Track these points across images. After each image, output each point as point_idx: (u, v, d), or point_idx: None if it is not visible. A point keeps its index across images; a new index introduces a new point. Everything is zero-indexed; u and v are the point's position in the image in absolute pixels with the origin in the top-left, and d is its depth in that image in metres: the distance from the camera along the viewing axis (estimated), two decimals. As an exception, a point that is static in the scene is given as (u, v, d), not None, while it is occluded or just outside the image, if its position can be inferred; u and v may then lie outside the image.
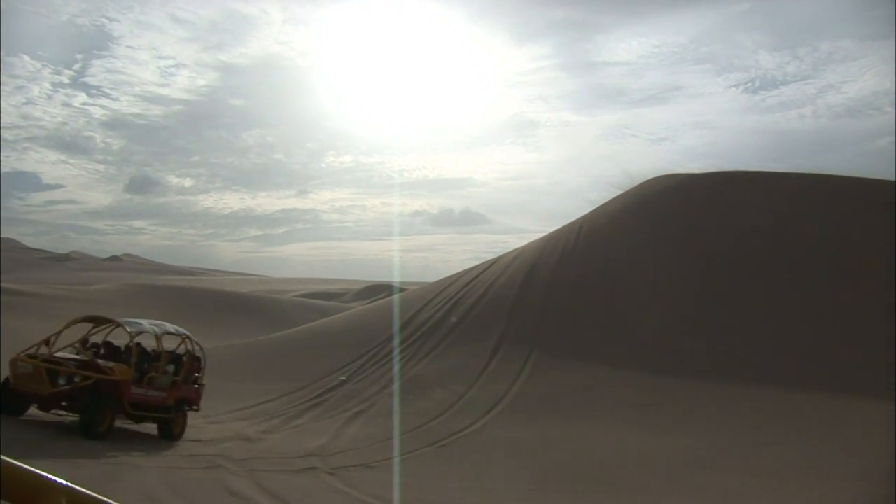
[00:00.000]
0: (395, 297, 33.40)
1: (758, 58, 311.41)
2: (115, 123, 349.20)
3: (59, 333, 15.94)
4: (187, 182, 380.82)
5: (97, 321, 17.60)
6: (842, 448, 13.81)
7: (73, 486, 1.70)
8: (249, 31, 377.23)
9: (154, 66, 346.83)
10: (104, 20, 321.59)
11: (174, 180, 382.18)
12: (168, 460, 14.40)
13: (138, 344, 16.50)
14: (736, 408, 16.91)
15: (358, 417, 19.36)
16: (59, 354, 15.38)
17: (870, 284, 20.64)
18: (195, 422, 18.81)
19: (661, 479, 13.31)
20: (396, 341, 25.27)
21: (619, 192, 31.96)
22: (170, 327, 17.70)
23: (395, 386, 21.67)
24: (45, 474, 1.64)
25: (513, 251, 32.62)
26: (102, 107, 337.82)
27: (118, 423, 15.82)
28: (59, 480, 1.67)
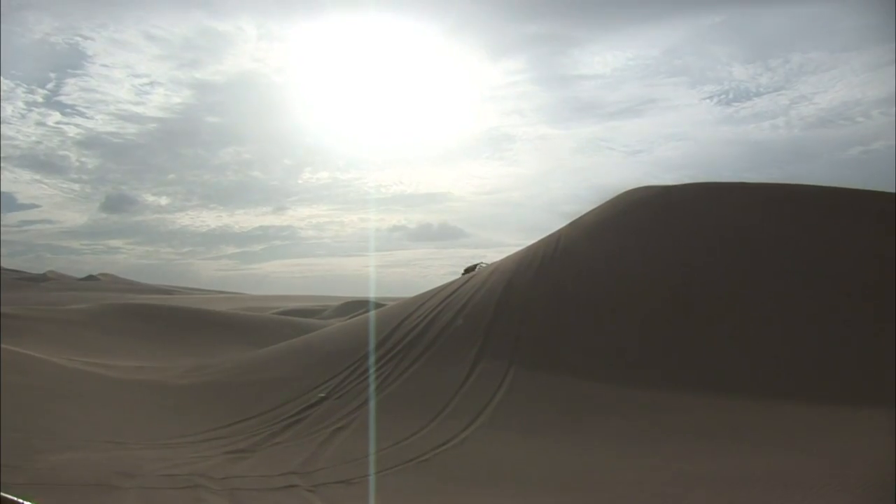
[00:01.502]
0: (371, 314, 33.29)
1: (731, 70, 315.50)
2: (89, 142, 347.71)
3: None
4: (163, 200, 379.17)
5: None
6: (831, 457, 13.83)
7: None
8: (224, 48, 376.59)
9: (129, 85, 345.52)
10: (78, 38, 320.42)
11: (150, 198, 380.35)
12: (145, 480, 14.24)
13: None
14: (723, 420, 16.93)
15: (338, 434, 19.25)
16: None
17: (849, 292, 20.77)
18: (173, 440, 18.68)
19: (646, 495, 13.28)
20: (372, 359, 25.17)
21: (594, 206, 32.08)
22: None
23: (372, 403, 21.57)
24: (14, 498, 1.60)
25: (491, 265, 32.65)
26: (77, 125, 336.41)
27: (100, 442, 15.63)
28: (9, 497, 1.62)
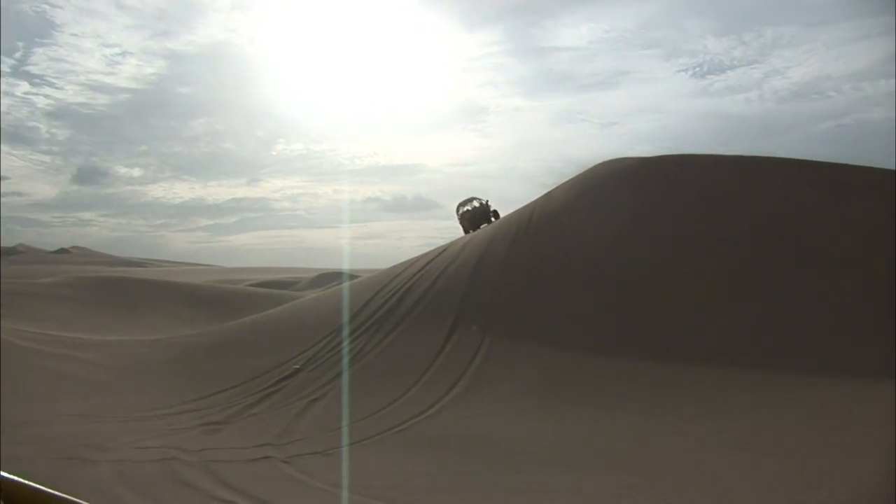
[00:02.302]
0: (346, 286, 33.22)
1: (705, 42, 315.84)
2: (59, 113, 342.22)
3: None
4: (136, 172, 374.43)
5: None
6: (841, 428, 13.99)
7: (22, 480, 1.63)
8: (197, 18, 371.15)
9: (99, 55, 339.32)
10: (46, 7, 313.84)
11: (122, 170, 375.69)
12: (119, 453, 14.20)
13: None
14: (685, 389, 17.11)
15: (313, 405, 19.27)
16: None
17: (826, 265, 20.99)
18: (146, 413, 18.60)
19: (619, 459, 13.41)
20: (347, 330, 25.16)
21: (568, 178, 32.09)
22: None
23: (346, 374, 21.60)
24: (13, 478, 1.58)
25: (465, 236, 32.66)
26: (46, 96, 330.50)
27: (70, 417, 15.55)
28: (7, 476, 1.60)
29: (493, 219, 33.94)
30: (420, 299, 26.21)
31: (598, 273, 23.70)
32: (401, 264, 31.87)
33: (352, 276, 55.07)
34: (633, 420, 15.66)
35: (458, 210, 35.75)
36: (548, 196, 31.50)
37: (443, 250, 31.16)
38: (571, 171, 32.93)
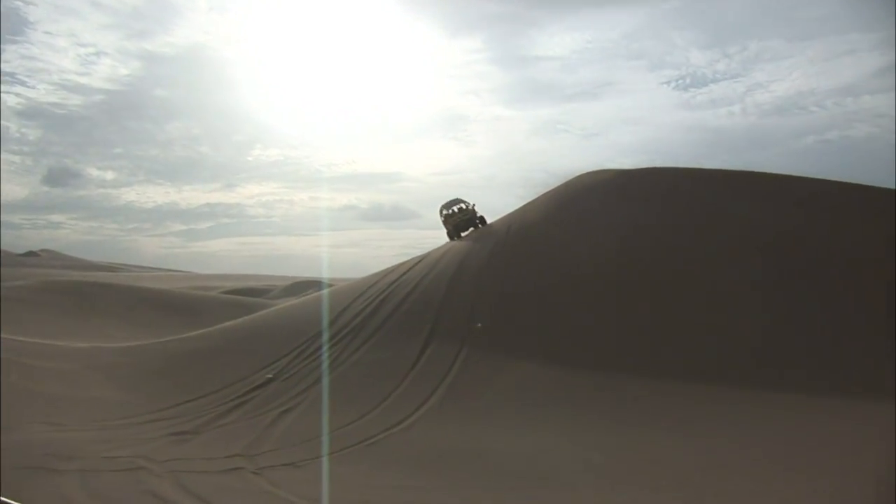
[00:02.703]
0: (322, 293, 33.10)
1: (689, 55, 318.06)
2: (31, 112, 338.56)
3: None
4: (109, 175, 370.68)
5: None
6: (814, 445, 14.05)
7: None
8: (174, 19, 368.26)
9: (73, 54, 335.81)
10: (19, 3, 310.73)
11: (95, 173, 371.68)
12: (86, 463, 14.01)
13: None
14: (673, 405, 17.15)
15: (285, 415, 19.15)
16: None
17: (806, 281, 21.12)
18: (114, 422, 18.41)
19: (593, 478, 13.40)
20: (323, 338, 25.04)
21: (549, 189, 32.21)
22: None
23: (325, 381, 21.50)
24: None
25: (443, 246, 32.64)
26: (17, 95, 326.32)
27: (36, 425, 15.34)
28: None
29: (479, 224, 33.45)
30: (396, 309, 26.14)
31: (578, 285, 23.74)
32: (377, 273, 31.82)
33: (328, 285, 54.92)
34: (613, 434, 15.66)
35: (441, 212, 34.92)
36: (527, 207, 31.61)
37: (420, 260, 31.15)
38: (552, 182, 33.07)
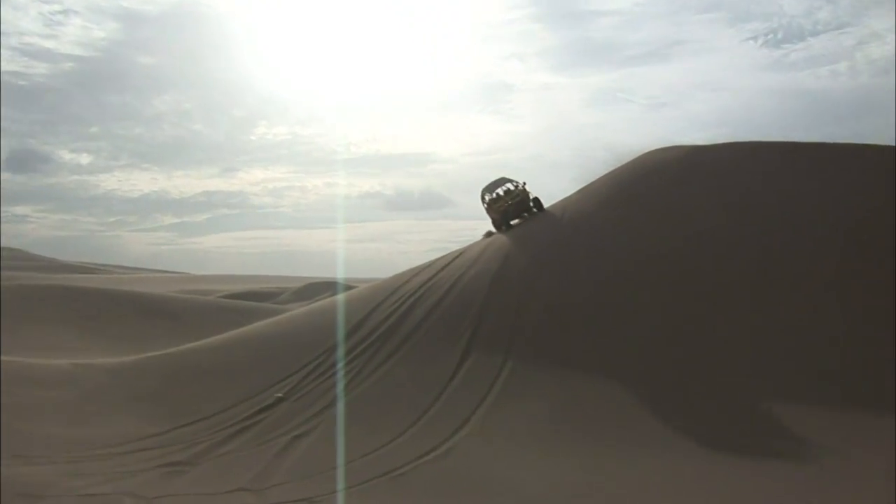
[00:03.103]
0: (339, 298, 33.28)
1: (781, 3, 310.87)
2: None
3: None
4: (84, 158, 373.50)
5: None
6: None
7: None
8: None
9: (35, 12, 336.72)
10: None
11: (67, 156, 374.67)
12: (58, 502, 14.23)
13: None
14: (766, 432, 17.12)
15: (298, 442, 19.35)
16: None
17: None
18: (94, 451, 18.56)
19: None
20: (340, 352, 25.23)
21: (608, 170, 32.07)
22: None
23: (340, 404, 21.69)
24: None
25: (484, 239, 32.64)
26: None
27: (5, 457, 15.57)
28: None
29: (534, 208, 32.28)
30: (428, 315, 26.24)
31: (643, 286, 23.69)
32: (405, 273, 31.92)
33: (346, 288, 55.19)
34: (682, 463, 15.70)
35: (483, 196, 33.51)
36: (583, 193, 31.53)
37: (456, 256, 31.20)
38: (613, 163, 32.81)
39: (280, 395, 22.94)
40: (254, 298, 77.55)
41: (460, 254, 31.34)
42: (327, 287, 79.87)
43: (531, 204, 32.62)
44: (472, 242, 33.10)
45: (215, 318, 51.53)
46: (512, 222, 32.61)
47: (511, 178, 33.98)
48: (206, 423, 21.41)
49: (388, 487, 15.83)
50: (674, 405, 18.69)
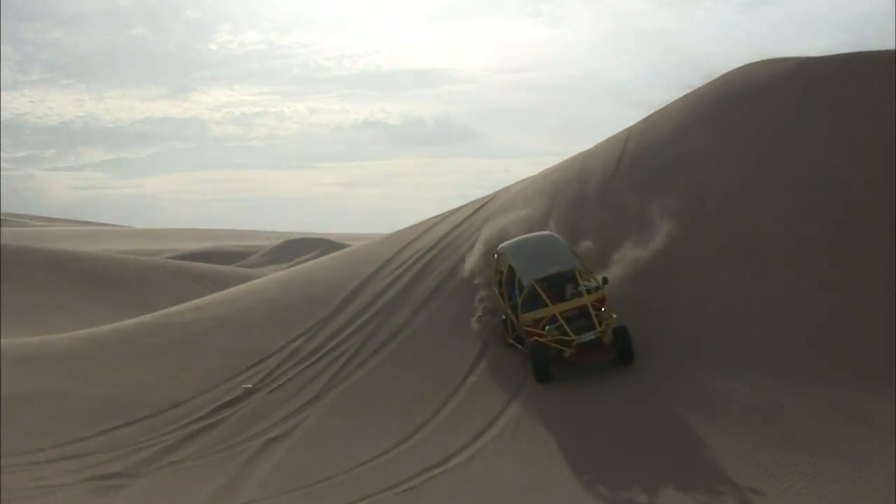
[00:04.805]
0: (329, 259, 33.39)
1: None
2: None
3: None
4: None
5: None
6: None
7: None
8: None
9: None
10: None
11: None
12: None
13: None
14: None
15: (273, 447, 19.52)
16: None
17: None
18: (6, 461, 18.61)
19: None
20: (331, 328, 25.36)
21: (685, 92, 31.84)
22: None
23: (333, 395, 21.82)
24: None
25: (516, 184, 32.68)
26: None
27: None
28: None
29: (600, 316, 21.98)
30: (444, 282, 26.37)
31: (734, 238, 23.61)
32: (416, 226, 32.04)
33: (336, 247, 55.48)
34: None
35: (498, 272, 24.34)
36: (654, 118, 31.31)
37: (482, 204, 31.24)
38: (693, 82, 32.53)
39: (250, 385, 23.10)
40: (217, 260, 77.56)
41: (485, 203, 31.33)
42: (312, 245, 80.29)
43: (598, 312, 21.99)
44: (500, 189, 33.08)
45: (164, 285, 51.78)
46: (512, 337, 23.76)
47: (555, 234, 25.30)
48: (151, 422, 21.48)
49: (393, 505, 15.98)
50: (772, 400, 18.74)
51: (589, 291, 22.45)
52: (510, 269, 23.47)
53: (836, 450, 15.96)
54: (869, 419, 17.07)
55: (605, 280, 22.74)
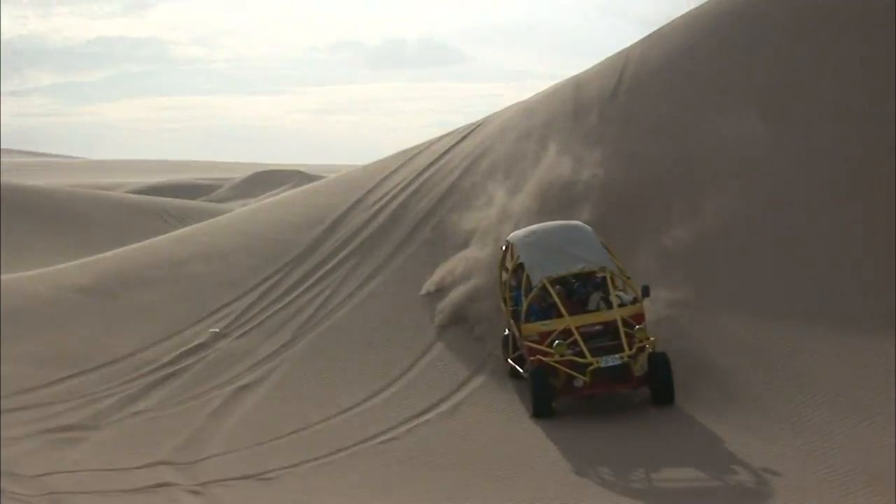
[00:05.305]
0: (301, 191, 33.33)
1: None
2: None
3: None
4: None
5: None
6: None
7: None
8: None
9: None
10: None
11: None
12: None
13: None
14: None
15: (242, 396, 19.61)
16: None
17: None
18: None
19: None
20: (304, 267, 25.37)
21: (693, 5, 31.57)
22: None
23: (307, 340, 21.86)
24: None
25: (506, 110, 32.60)
26: None
27: None
28: None
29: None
30: (427, 218, 26.36)
31: (744, 183, 23.55)
32: (395, 156, 31.98)
33: (310, 179, 55.44)
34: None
35: (504, 247, 22.18)
36: (651, 39, 31.04)
37: (469, 132, 31.16)
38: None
39: (216, 329, 23.14)
40: (180, 194, 77.22)
41: (473, 130, 31.21)
42: (283, 178, 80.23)
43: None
44: (489, 115, 32.95)
45: (122, 221, 51.62)
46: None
47: (584, 225, 22.34)
48: (110, 370, 21.55)
49: (371, 457, 16.06)
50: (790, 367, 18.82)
51: (623, 304, 19.41)
52: (521, 265, 20.68)
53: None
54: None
55: (645, 291, 19.73)
